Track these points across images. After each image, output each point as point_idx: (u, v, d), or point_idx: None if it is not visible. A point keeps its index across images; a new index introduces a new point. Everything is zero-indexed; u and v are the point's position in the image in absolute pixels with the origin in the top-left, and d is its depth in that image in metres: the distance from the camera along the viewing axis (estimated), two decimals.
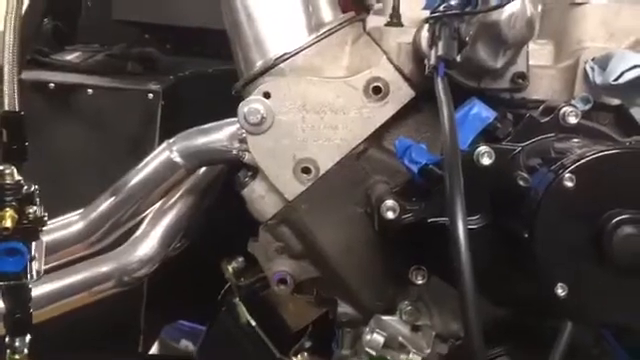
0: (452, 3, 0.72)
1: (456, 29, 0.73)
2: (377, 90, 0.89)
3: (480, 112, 0.76)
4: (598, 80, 0.86)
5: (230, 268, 1.19)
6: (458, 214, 0.63)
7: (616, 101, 0.88)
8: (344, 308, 0.96)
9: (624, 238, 0.61)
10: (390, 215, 0.78)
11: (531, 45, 0.92)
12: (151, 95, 1.28)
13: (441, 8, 0.73)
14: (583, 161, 0.64)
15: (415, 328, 0.90)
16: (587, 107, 0.87)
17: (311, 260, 0.95)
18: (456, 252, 0.62)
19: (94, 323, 1.21)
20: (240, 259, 1.18)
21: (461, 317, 0.63)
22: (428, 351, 0.88)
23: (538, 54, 0.92)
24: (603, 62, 0.87)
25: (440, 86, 0.72)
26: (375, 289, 0.92)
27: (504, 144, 0.75)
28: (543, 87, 0.90)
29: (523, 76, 0.84)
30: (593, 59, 0.88)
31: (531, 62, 0.89)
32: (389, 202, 0.78)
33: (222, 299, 1.23)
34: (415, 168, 0.76)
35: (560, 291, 0.63)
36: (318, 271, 0.96)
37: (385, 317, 0.90)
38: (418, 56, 0.85)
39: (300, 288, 0.99)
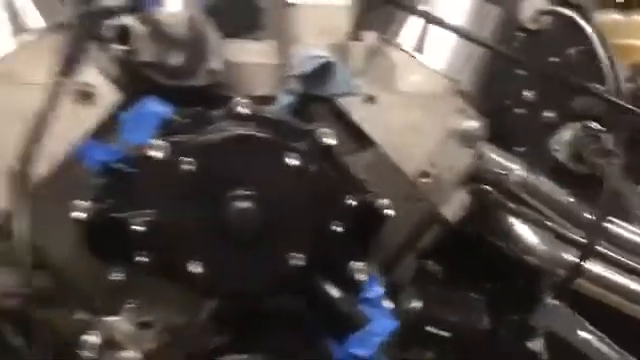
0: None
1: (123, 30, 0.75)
2: (84, 94, 0.89)
3: (153, 108, 0.79)
4: (294, 73, 0.92)
5: None
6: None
7: (316, 92, 0.95)
8: (81, 315, 0.95)
9: (240, 213, 0.66)
10: (80, 216, 0.79)
11: (252, 44, 0.97)
12: None
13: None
14: (198, 145, 0.68)
15: (143, 325, 0.91)
16: (291, 98, 0.93)
17: (41, 269, 0.94)
18: None
19: None
20: None
21: None
22: (151, 345, 0.89)
23: (259, 51, 0.97)
24: (301, 57, 0.93)
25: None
26: (102, 292, 0.92)
27: (177, 137, 0.77)
28: (264, 83, 0.95)
29: (216, 73, 0.88)
30: (298, 55, 0.94)
31: (252, 60, 0.95)
32: (79, 203, 0.79)
33: None
34: (97, 167, 0.78)
35: (197, 268, 0.66)
36: (48, 281, 0.95)
37: (108, 318, 0.91)
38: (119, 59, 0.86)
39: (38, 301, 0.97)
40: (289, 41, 0.99)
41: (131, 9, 0.77)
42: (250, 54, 0.98)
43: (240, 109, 0.79)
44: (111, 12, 0.75)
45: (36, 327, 1.16)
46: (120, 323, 0.90)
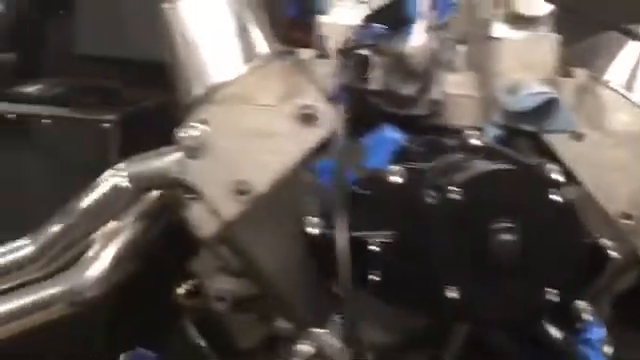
0: (362, 36, 0.80)
1: (363, 60, 0.80)
2: (307, 117, 0.96)
3: (391, 135, 0.83)
4: (508, 108, 0.94)
5: (181, 290, 1.23)
6: (342, 227, 0.69)
7: (530, 128, 0.96)
8: (281, 323, 1.01)
9: (503, 244, 0.68)
10: (313, 231, 0.84)
11: (456, 76, 1.00)
12: (107, 125, 1.34)
13: (351, 40, 0.81)
14: (468, 177, 0.70)
15: (347, 340, 0.95)
16: (499, 132, 0.95)
17: (249, 277, 1.00)
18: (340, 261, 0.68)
19: (51, 348, 1.24)
20: (191, 282, 1.22)
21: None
22: None
23: (462, 84, 1.00)
24: (513, 91, 0.95)
25: (338, 112, 0.78)
26: (309, 304, 0.97)
27: (413, 164, 0.81)
28: (466, 114, 0.98)
29: (438, 103, 0.92)
30: (507, 88, 0.96)
31: (454, 91, 0.97)
32: (312, 219, 0.84)
33: (174, 322, 1.27)
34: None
35: (452, 294, 0.69)
36: (256, 288, 1.01)
37: (316, 330, 0.95)
38: None
39: (241, 305, 1.04)
40: (491, 74, 1.01)
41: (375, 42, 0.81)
42: (451, 85, 1.01)
43: (474, 141, 0.81)
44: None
45: (219, 330, 1.23)
46: (328, 336, 0.94)
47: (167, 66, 1.47)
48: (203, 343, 1.23)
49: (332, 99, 0.83)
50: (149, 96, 1.54)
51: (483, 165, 0.75)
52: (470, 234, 0.70)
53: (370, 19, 0.78)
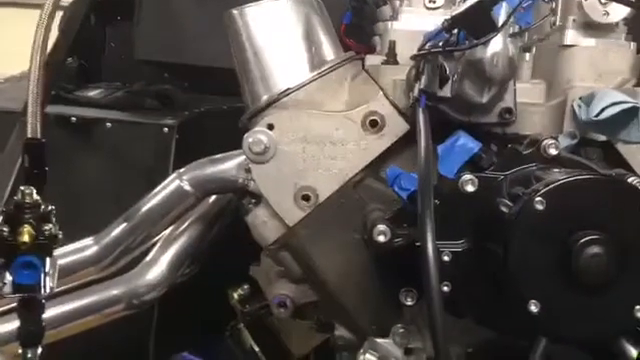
0: (437, 42, 0.78)
1: (440, 65, 0.79)
2: (374, 123, 0.95)
3: (466, 143, 0.82)
4: (583, 117, 0.91)
5: (236, 295, 1.24)
6: (428, 235, 0.67)
7: (602, 137, 0.93)
8: (341, 331, 1.00)
9: (590, 257, 0.65)
10: (381, 239, 0.83)
11: (524, 84, 0.98)
12: (166, 129, 1.36)
13: (426, 46, 0.79)
14: (552, 186, 0.68)
15: (408, 351, 0.93)
16: (573, 142, 0.92)
17: (310, 284, 1.00)
18: (425, 271, 0.67)
19: (103, 347, 1.26)
20: (246, 286, 1.22)
21: (430, 333, 0.67)
22: None
23: (530, 92, 0.98)
24: (588, 100, 0.92)
25: (420, 117, 0.77)
26: (370, 312, 0.96)
27: (487, 173, 0.79)
28: (535, 123, 0.95)
29: (510, 111, 0.90)
30: (580, 97, 0.93)
31: (524, 99, 0.95)
32: (381, 227, 0.83)
33: (228, 325, 1.27)
34: (404, 195, 0.82)
35: (533, 307, 0.67)
36: (317, 295, 1.00)
37: (378, 339, 0.94)
38: (411, 91, 0.91)
39: (300, 312, 1.03)
40: (563, 82, 0.99)
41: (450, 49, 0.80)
42: (519, 93, 0.98)
43: (551, 150, 0.79)
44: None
45: (273, 336, 1.23)
46: (390, 346, 0.92)
47: (224, 72, 1.50)
48: (257, 348, 1.23)
49: (412, 105, 0.81)
50: (206, 101, 1.56)
51: (563, 175, 0.72)
52: (552, 245, 0.68)
53: (451, 25, 0.77)
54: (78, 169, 1.36)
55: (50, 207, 0.82)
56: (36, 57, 0.90)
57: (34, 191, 0.80)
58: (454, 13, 0.76)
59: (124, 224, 1.12)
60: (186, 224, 1.19)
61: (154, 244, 1.17)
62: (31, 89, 0.87)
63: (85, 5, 1.46)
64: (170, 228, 1.17)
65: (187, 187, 1.10)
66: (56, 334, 1.08)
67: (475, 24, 0.76)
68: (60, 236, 0.82)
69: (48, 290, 0.81)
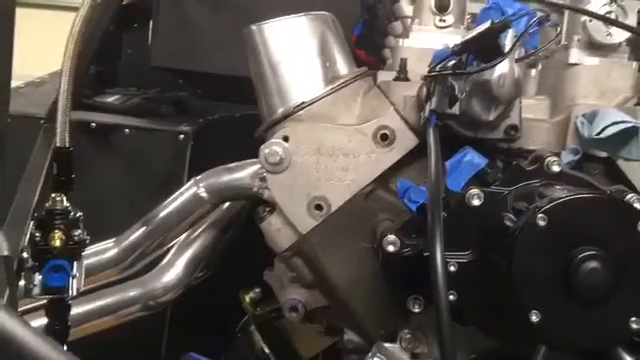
0: (447, 63, 0.83)
1: (450, 86, 0.83)
2: (384, 137, 0.99)
3: (472, 159, 0.86)
4: (586, 134, 0.95)
5: (247, 298, 1.28)
6: (437, 246, 0.71)
7: (604, 153, 0.97)
8: (350, 336, 1.04)
9: (588, 272, 0.70)
10: (391, 248, 0.87)
11: (529, 100, 1.02)
12: (182, 136, 1.40)
13: (437, 67, 0.84)
14: (554, 203, 0.72)
15: (414, 356, 0.98)
16: (575, 158, 0.96)
17: (321, 289, 1.04)
18: (434, 280, 0.71)
19: (116, 346, 1.30)
20: (257, 290, 1.26)
21: (437, 339, 0.71)
22: None
23: (535, 108, 1.02)
24: (591, 117, 0.96)
25: (431, 135, 0.82)
26: (379, 318, 1.00)
27: (493, 188, 0.84)
28: (539, 138, 0.99)
29: (515, 128, 0.94)
30: (583, 115, 0.97)
31: (529, 115, 0.99)
32: (390, 237, 0.87)
33: (239, 327, 1.32)
34: (414, 207, 0.86)
35: (534, 317, 0.71)
36: (327, 300, 1.04)
37: (386, 344, 0.98)
38: (421, 108, 0.95)
39: (311, 316, 1.07)
40: (566, 99, 1.02)
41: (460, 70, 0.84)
42: (524, 110, 1.02)
43: (554, 167, 0.83)
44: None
45: (283, 338, 1.27)
46: (398, 350, 0.97)
47: (237, 80, 1.54)
48: (267, 350, 1.28)
49: (423, 124, 0.86)
50: (219, 108, 1.60)
51: (566, 192, 0.76)
52: (552, 259, 0.72)
53: (461, 50, 0.81)
54: (97, 174, 1.41)
55: (79, 213, 0.86)
56: (67, 65, 0.92)
57: (64, 198, 0.84)
58: (464, 38, 0.81)
59: (142, 228, 1.16)
60: (201, 229, 1.23)
61: (170, 248, 1.22)
62: (61, 100, 0.91)
63: (109, 16, 1.50)
64: (186, 233, 1.22)
65: (203, 194, 1.14)
66: (75, 333, 1.12)
67: (483, 49, 0.80)
68: (88, 241, 0.86)
69: (75, 292, 0.86)
